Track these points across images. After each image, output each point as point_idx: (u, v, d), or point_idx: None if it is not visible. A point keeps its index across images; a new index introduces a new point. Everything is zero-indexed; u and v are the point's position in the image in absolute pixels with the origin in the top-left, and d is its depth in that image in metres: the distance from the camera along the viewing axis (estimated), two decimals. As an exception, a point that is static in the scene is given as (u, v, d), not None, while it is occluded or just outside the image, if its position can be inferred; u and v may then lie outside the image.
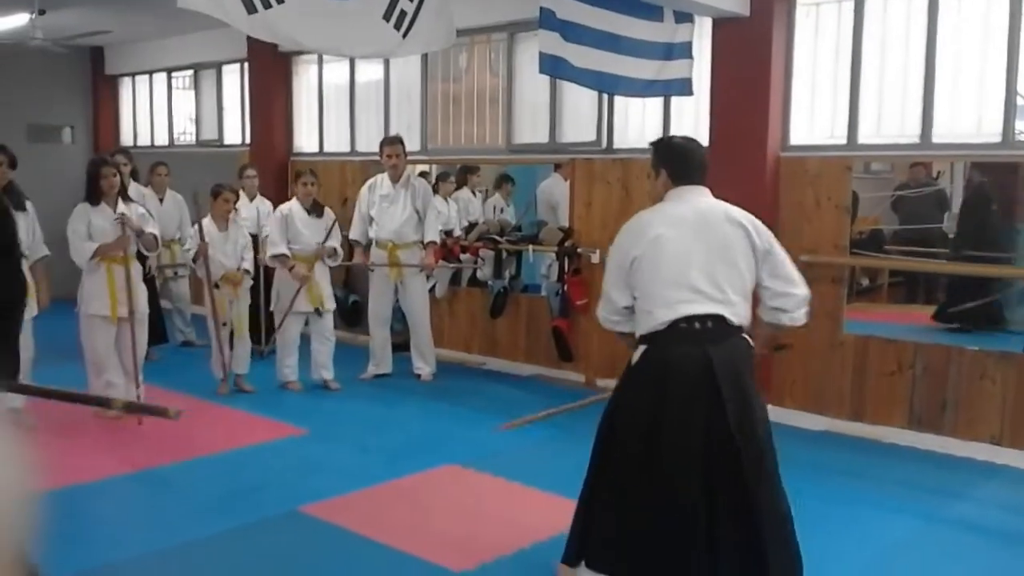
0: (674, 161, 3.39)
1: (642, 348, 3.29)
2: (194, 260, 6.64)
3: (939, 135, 5.63)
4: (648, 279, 3.25)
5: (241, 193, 7.57)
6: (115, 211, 5.83)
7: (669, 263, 3.21)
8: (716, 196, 3.32)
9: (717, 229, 3.27)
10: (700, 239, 3.23)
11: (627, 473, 3.25)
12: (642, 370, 3.28)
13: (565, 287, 7.13)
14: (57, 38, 8.69)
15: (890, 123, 5.83)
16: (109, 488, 4.80)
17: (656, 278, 3.23)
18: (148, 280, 6.69)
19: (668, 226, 3.25)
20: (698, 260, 3.21)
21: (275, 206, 8.00)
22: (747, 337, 3.32)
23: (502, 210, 8.81)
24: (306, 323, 6.98)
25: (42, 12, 8.02)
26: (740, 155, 6.10)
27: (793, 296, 3.38)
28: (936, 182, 9.02)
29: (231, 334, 6.65)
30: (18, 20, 8.33)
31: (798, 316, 3.39)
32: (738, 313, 3.26)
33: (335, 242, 6.92)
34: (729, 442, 3.12)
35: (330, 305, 6.96)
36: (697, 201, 3.34)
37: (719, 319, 3.21)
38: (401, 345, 7.42)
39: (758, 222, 3.36)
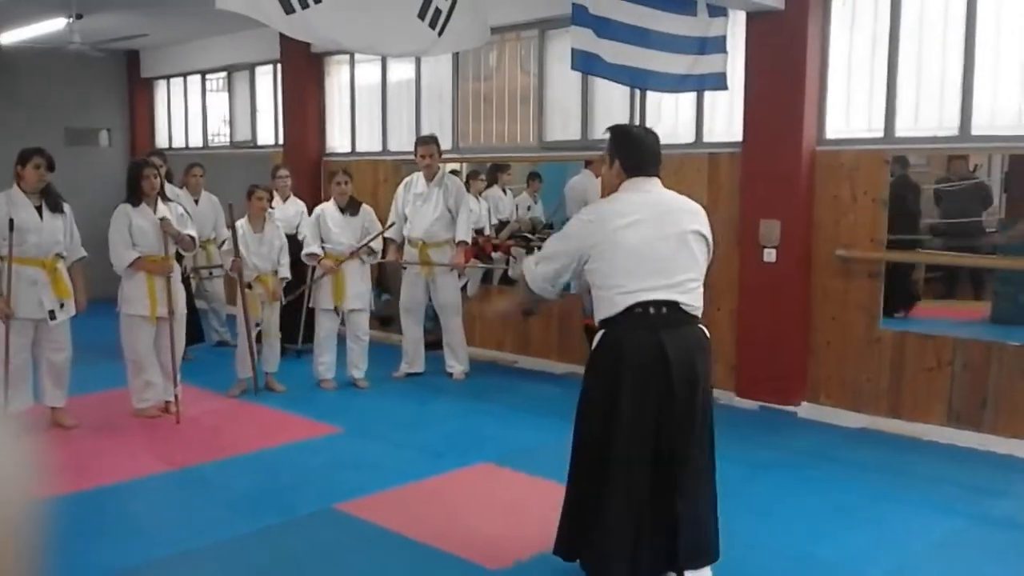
0: (629, 153, 3.45)
1: (600, 333, 3.39)
2: (230, 270, 6.68)
3: (978, 127, 5.53)
4: (608, 268, 3.32)
5: (274, 194, 7.63)
6: (155, 211, 5.91)
7: (628, 253, 3.29)
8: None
9: (674, 219, 3.36)
10: (658, 229, 3.31)
11: (591, 458, 3.36)
12: (600, 355, 3.38)
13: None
14: (94, 42, 8.81)
15: (928, 115, 5.74)
16: (148, 486, 4.86)
17: (616, 267, 3.30)
18: (183, 280, 6.76)
19: (628, 216, 3.32)
20: (656, 249, 3.30)
21: (308, 206, 8.08)
22: (703, 327, 3.41)
23: (529, 208, 8.79)
24: (343, 322, 7.02)
25: (79, 16, 8.13)
26: (775, 149, 6.04)
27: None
28: (975, 175, 8.88)
29: (258, 335, 6.66)
30: (56, 24, 8.45)
31: None
32: (693, 300, 3.35)
33: (372, 243, 6.90)
34: (681, 425, 3.25)
35: (354, 305, 6.91)
36: (653, 192, 3.42)
37: (673, 306, 3.30)
38: (434, 344, 7.44)
39: (705, 216, 3.47)
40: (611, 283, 3.31)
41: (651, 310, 3.26)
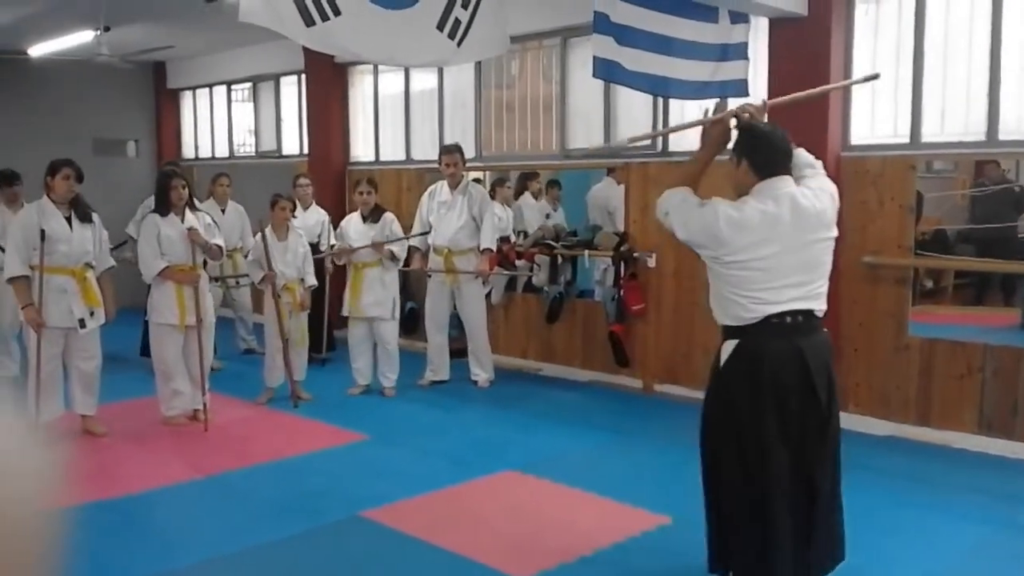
0: (758, 151, 3.31)
1: (734, 343, 3.28)
2: (261, 283, 6.74)
3: (1006, 132, 5.48)
4: (745, 277, 3.22)
5: (296, 203, 7.69)
6: (183, 221, 5.98)
7: (769, 265, 3.20)
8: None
9: (812, 225, 3.25)
10: (797, 238, 3.22)
11: (739, 472, 3.28)
12: (738, 366, 3.27)
13: (621, 292, 7.10)
14: (122, 54, 8.92)
15: (954, 121, 5.70)
16: (177, 493, 4.90)
17: (755, 278, 3.21)
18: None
19: (769, 227, 3.20)
20: (795, 259, 3.22)
21: (332, 215, 8.15)
22: (826, 330, 3.40)
23: (548, 215, 8.79)
24: None
25: (107, 29, 8.24)
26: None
27: None
28: (1009, 180, 8.76)
29: (286, 343, 6.69)
30: (84, 37, 8.58)
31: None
32: (822, 304, 3.32)
33: (395, 247, 6.93)
34: (819, 432, 3.25)
35: (373, 312, 6.88)
36: (789, 195, 3.25)
37: (808, 313, 3.27)
38: (458, 351, 7.46)
39: (835, 202, 3.36)
40: (746, 292, 3.22)
41: (787, 319, 3.22)
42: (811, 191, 3.30)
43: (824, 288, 3.32)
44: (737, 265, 3.22)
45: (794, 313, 3.22)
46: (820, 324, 3.32)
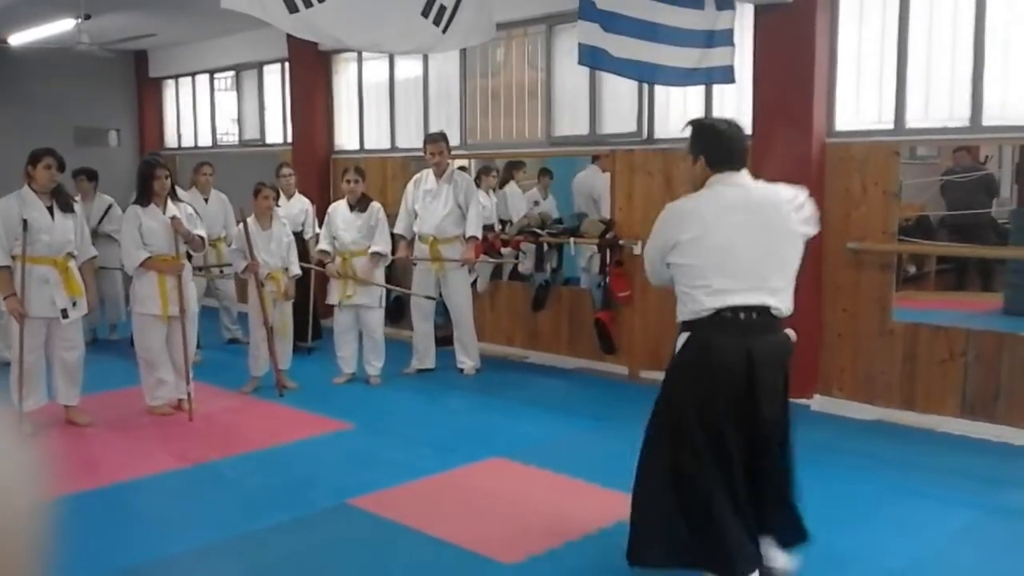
0: (711, 146, 3.32)
1: (685, 336, 3.26)
2: (243, 272, 6.69)
3: (989, 118, 5.50)
4: (694, 264, 3.19)
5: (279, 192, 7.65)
6: (164, 211, 5.93)
7: (716, 250, 3.17)
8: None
9: (767, 215, 3.22)
10: (749, 226, 3.19)
11: (683, 461, 3.28)
12: (687, 360, 3.27)
13: (607, 279, 7.10)
14: (102, 42, 8.85)
15: (938, 106, 5.72)
16: (162, 483, 4.88)
17: (703, 264, 3.18)
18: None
19: (711, 214, 3.21)
20: (746, 247, 3.17)
21: (316, 204, 8.11)
22: (789, 330, 3.31)
23: (537, 203, 8.78)
24: None
25: (87, 17, 8.16)
26: (784, 142, 6.02)
27: None
28: (984, 167, 8.85)
29: (270, 332, 6.66)
30: (64, 25, 8.49)
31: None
32: (782, 302, 3.22)
33: (380, 247, 6.88)
34: (761, 439, 3.24)
35: (361, 300, 6.84)
36: (743, 186, 3.28)
37: (764, 310, 3.18)
38: (444, 339, 7.45)
39: (803, 198, 3.33)
40: (698, 282, 3.17)
41: (741, 315, 3.14)
42: (772, 185, 3.32)
43: (785, 285, 3.23)
44: (690, 249, 3.19)
45: (748, 309, 3.15)
46: (777, 323, 3.23)
